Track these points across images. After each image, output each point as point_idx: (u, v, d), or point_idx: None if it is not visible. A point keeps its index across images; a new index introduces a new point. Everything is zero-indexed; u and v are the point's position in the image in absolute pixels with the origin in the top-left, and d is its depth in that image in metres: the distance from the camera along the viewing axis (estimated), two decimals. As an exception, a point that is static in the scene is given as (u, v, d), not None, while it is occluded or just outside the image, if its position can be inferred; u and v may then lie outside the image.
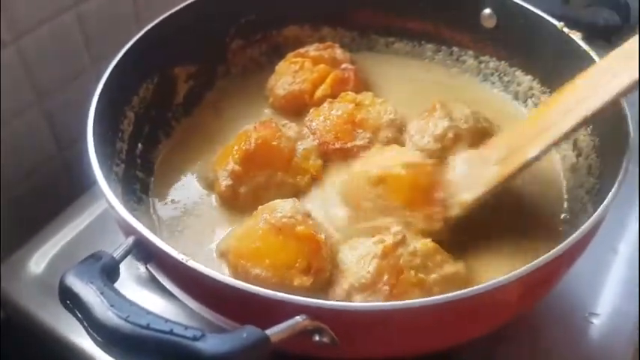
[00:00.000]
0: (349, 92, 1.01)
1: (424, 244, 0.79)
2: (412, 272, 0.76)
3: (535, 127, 0.85)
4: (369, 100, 0.99)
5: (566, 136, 0.82)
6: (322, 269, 0.79)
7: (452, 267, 0.79)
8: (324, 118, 0.98)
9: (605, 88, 0.79)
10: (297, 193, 0.91)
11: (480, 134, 0.95)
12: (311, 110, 1.00)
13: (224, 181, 0.90)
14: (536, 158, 0.83)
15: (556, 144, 0.84)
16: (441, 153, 0.94)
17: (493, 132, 0.97)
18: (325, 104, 0.99)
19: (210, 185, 0.94)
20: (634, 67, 0.76)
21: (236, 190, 0.90)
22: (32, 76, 1.06)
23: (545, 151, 0.83)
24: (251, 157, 0.90)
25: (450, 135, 0.94)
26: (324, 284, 0.79)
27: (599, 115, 0.79)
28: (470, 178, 0.87)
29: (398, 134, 0.98)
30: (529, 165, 0.83)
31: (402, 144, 0.97)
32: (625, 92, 0.78)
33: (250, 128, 0.93)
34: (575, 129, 0.81)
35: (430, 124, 0.96)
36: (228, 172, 0.90)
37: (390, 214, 0.85)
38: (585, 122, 0.81)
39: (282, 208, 0.82)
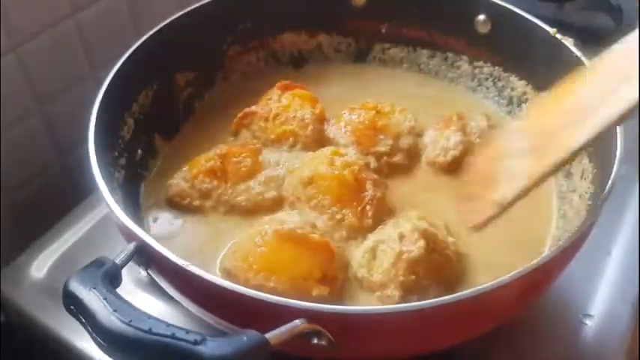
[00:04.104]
0: (369, 100, 1.01)
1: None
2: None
3: (574, 103, 0.74)
4: (389, 108, 1.01)
5: (624, 116, 0.66)
6: (336, 277, 0.80)
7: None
8: (345, 124, 0.99)
9: None
10: (236, 210, 0.92)
11: None
12: (332, 118, 1.01)
13: (173, 181, 0.94)
14: (582, 149, 0.70)
15: (613, 125, 0.68)
16: (449, 165, 0.97)
17: None
18: (345, 111, 1.01)
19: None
20: None
21: (181, 190, 0.93)
22: (32, 83, 1.07)
23: (594, 139, 0.68)
24: (205, 164, 0.93)
25: (460, 149, 0.96)
26: (336, 292, 0.80)
27: None
28: (503, 171, 0.80)
29: (417, 140, 1.00)
30: (576, 156, 0.73)
31: (419, 151, 0.99)
32: None
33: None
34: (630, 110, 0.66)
35: (443, 136, 0.98)
36: (182, 173, 0.94)
37: (323, 213, 0.87)
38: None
39: (291, 219, 0.84)
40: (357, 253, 0.84)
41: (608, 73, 0.72)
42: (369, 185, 0.88)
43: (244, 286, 0.73)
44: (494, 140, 0.87)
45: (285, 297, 0.67)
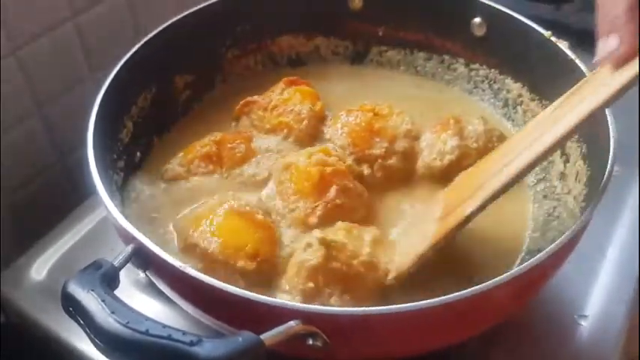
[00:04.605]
0: (367, 103, 1.02)
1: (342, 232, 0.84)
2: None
3: (474, 180, 0.84)
4: (387, 110, 1.01)
5: (503, 190, 0.79)
6: (267, 261, 0.82)
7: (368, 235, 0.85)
8: (342, 125, 1.00)
9: (548, 135, 0.77)
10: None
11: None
12: (329, 118, 1.03)
13: (169, 165, 0.97)
14: (474, 214, 0.80)
15: (495, 197, 0.79)
16: (446, 169, 0.96)
17: None
18: (343, 113, 1.01)
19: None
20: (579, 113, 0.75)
21: (177, 174, 0.95)
22: (32, 85, 1.08)
23: (484, 207, 0.79)
24: (201, 149, 0.96)
25: (457, 153, 0.96)
26: (264, 279, 0.82)
27: (541, 161, 0.80)
28: (413, 236, 0.87)
29: (413, 144, 1.00)
30: (468, 221, 0.80)
31: (416, 154, 0.99)
32: (569, 135, 0.77)
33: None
34: (514, 180, 0.79)
35: (440, 140, 0.98)
36: (178, 159, 0.97)
37: (284, 199, 0.90)
38: (526, 171, 0.79)
39: (248, 200, 0.87)
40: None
41: (499, 154, 0.86)
42: (332, 190, 0.89)
43: (184, 243, 0.84)
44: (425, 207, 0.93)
45: (213, 264, 0.77)
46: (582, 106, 0.76)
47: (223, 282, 0.68)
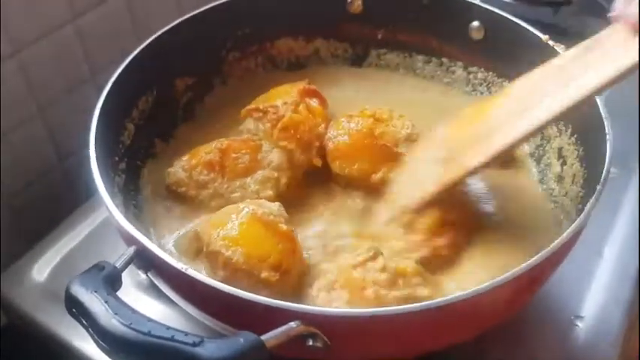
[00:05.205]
0: (367, 107, 1.01)
1: (404, 266, 0.82)
2: (374, 287, 0.79)
3: (483, 124, 0.80)
4: (387, 115, 1.01)
5: (513, 145, 0.77)
6: (290, 271, 0.81)
7: (422, 291, 0.81)
8: (344, 132, 0.99)
9: (571, 88, 0.72)
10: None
11: None
12: (331, 123, 1.02)
13: (172, 169, 0.96)
14: (477, 170, 0.79)
15: (502, 153, 0.78)
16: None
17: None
18: (343, 118, 1.00)
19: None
20: (614, 61, 0.68)
21: (179, 179, 0.95)
22: (32, 88, 1.08)
23: (488, 163, 0.78)
24: (205, 155, 0.95)
25: None
26: (288, 288, 0.82)
27: (559, 119, 0.77)
28: (419, 174, 0.85)
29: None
30: (473, 173, 0.79)
31: None
32: (596, 92, 0.72)
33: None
34: (526, 137, 0.76)
35: None
36: (181, 162, 0.96)
37: None
38: (540, 129, 0.76)
39: (270, 207, 0.86)
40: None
41: (517, 97, 0.80)
42: None
43: (206, 248, 0.82)
44: (421, 142, 0.91)
45: (237, 273, 0.76)
46: (604, 68, 0.70)
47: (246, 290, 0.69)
